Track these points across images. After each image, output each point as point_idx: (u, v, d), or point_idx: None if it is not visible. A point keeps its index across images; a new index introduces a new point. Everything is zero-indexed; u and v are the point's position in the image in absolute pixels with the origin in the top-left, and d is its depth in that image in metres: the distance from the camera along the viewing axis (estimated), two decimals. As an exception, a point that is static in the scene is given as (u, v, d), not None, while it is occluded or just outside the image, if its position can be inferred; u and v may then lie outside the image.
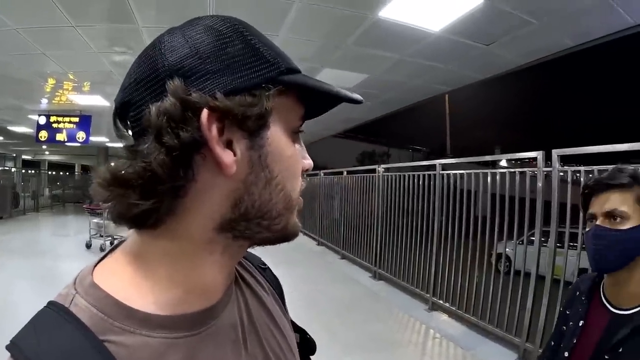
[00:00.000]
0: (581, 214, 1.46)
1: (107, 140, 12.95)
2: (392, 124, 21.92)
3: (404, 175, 5.41)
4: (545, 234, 3.27)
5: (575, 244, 2.97)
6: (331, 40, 4.36)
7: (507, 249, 3.88)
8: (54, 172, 23.76)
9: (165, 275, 0.43)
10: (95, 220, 7.73)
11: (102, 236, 7.35)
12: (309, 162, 0.50)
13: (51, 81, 5.85)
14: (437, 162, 4.78)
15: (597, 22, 3.64)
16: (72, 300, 0.41)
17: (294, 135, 0.47)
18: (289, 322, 0.62)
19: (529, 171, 3.38)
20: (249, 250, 0.51)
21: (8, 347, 0.37)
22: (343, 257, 7.47)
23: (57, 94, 6.58)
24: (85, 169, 28.11)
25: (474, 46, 4.30)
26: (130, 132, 0.42)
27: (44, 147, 16.85)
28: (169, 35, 0.42)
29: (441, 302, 4.42)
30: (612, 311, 1.05)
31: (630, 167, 1.05)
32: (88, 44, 4.26)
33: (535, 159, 3.30)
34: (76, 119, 7.66)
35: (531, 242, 3.45)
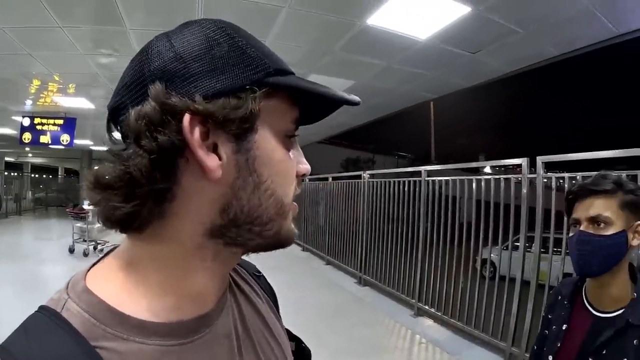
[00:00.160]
0: (565, 220, 1.48)
1: (92, 143, 12.77)
2: (378, 130, 22.14)
3: (390, 182, 5.42)
4: (529, 240, 3.31)
5: (559, 249, 3.01)
6: (319, 46, 4.36)
7: (491, 255, 3.91)
8: (37, 175, 23.22)
9: (156, 282, 0.42)
10: (79, 224, 7.61)
11: (85, 240, 7.20)
12: (305, 167, 0.48)
13: (36, 82, 5.73)
14: (422, 168, 4.81)
15: (582, 32, 3.71)
16: (64, 305, 0.40)
17: (287, 139, 0.45)
18: (284, 330, 0.61)
19: (514, 178, 3.43)
20: (244, 257, 0.50)
21: None
22: (328, 262, 7.45)
23: (42, 95, 6.46)
24: (69, 172, 27.63)
25: (461, 54, 4.35)
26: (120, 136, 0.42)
27: (28, 149, 16.53)
28: (157, 41, 0.42)
29: (427, 307, 4.43)
30: (594, 314, 1.07)
31: (614, 174, 1.07)
32: (74, 45, 4.19)
33: (520, 165, 3.34)
34: (61, 121, 7.51)
35: (516, 248, 3.49)
